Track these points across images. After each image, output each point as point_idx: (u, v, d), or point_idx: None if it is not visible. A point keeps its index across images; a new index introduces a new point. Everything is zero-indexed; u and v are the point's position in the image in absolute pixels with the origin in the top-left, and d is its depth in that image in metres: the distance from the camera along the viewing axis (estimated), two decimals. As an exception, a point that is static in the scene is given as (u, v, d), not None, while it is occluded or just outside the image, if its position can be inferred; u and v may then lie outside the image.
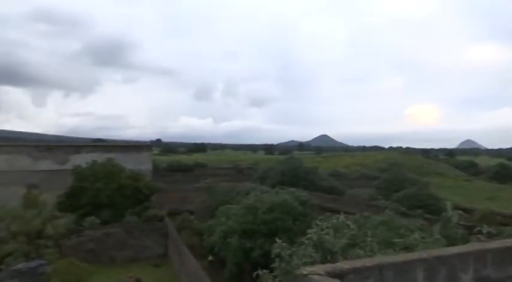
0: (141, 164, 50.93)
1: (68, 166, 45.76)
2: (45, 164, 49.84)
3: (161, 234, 34.88)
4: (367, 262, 5.18)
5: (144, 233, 34.83)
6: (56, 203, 34.43)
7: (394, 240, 12.04)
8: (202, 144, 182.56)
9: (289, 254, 10.90)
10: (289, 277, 9.81)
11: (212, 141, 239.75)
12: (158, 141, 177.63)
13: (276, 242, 11.95)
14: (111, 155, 45.83)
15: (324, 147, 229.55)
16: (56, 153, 50.93)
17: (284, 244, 11.48)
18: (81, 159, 45.03)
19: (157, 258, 33.57)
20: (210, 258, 28.80)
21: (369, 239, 11.25)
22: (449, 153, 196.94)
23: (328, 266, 4.93)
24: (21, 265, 26.76)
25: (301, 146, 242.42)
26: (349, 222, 12.21)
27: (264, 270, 11.50)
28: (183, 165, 78.44)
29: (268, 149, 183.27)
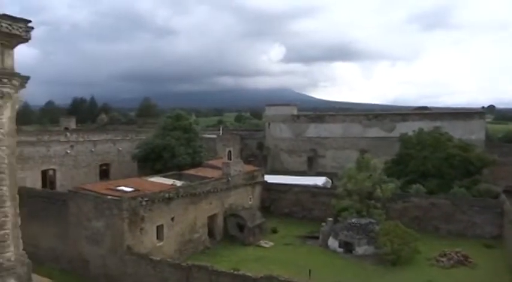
0: (471, 133, 47.11)
1: (395, 133, 47.91)
2: (374, 131, 54.11)
3: (495, 213, 31.22)
4: None
5: (474, 208, 32.18)
6: (383, 168, 36.71)
7: None
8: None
9: None
10: None
11: None
12: (491, 107, 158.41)
13: None
14: (438, 123, 44.84)
15: None
16: (383, 121, 54.34)
17: None
18: (407, 127, 46.13)
19: (489, 238, 30.34)
20: None
21: None
22: None
23: None
24: (355, 220, 30.20)
25: None
26: None
27: None
28: (524, 136, 66.73)
29: None
